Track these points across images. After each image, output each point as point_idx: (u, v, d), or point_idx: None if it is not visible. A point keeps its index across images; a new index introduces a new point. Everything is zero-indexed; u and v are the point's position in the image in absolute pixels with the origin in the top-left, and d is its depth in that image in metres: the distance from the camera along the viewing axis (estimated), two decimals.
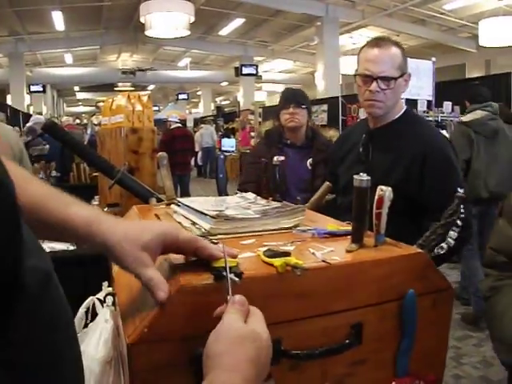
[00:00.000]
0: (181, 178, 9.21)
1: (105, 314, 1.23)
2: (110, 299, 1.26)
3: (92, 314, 1.34)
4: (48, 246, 2.50)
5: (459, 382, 3.52)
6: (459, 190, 1.91)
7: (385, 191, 1.01)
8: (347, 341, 0.94)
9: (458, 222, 1.87)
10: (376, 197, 1.02)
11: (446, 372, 3.45)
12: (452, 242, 1.88)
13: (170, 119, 9.83)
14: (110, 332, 1.16)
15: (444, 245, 1.88)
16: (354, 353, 0.95)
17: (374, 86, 2.02)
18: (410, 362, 1.02)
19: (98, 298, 1.36)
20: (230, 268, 0.81)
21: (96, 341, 1.15)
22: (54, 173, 7.43)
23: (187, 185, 9.68)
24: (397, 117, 2.13)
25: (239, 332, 0.70)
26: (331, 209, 2.08)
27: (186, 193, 9.35)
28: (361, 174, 1.01)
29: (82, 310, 1.35)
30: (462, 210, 1.87)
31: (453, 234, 1.89)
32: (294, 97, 3.18)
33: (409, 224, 1.58)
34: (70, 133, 1.63)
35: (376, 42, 2.06)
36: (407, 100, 5.54)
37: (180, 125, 9.72)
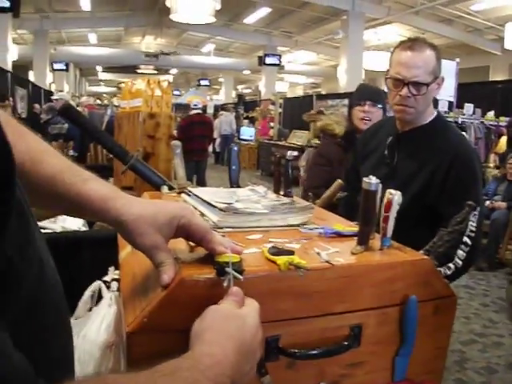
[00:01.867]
0: (198, 164, 9.21)
1: (109, 299, 1.24)
2: (115, 284, 1.28)
3: (99, 298, 1.35)
4: (60, 225, 2.53)
5: None
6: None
7: (394, 195, 1.00)
8: (346, 342, 0.94)
9: (468, 240, 1.85)
10: (384, 200, 1.02)
11: (449, 376, 3.46)
12: (460, 262, 1.86)
13: (192, 105, 9.79)
14: (112, 317, 1.17)
15: (451, 265, 1.86)
16: (351, 355, 0.95)
17: (404, 91, 1.94)
18: (407, 367, 1.02)
19: (104, 282, 1.37)
20: (233, 264, 0.81)
21: (98, 325, 1.16)
22: (71, 152, 7.50)
23: (204, 171, 9.67)
24: (427, 122, 2.06)
25: (224, 312, 0.72)
26: (348, 207, 2.03)
27: (202, 179, 9.36)
28: (370, 176, 1.00)
29: (87, 293, 1.37)
30: (474, 229, 1.85)
31: (461, 254, 1.86)
32: (369, 93, 2.96)
33: (426, 232, 1.54)
34: (85, 116, 1.64)
35: (410, 45, 1.95)
36: None
37: (199, 111, 9.71)
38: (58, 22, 20.92)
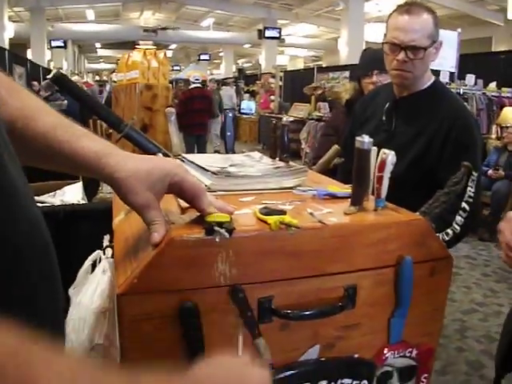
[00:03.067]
0: (198, 138, 9.17)
1: (103, 266, 1.23)
2: (109, 251, 1.27)
3: None
4: (59, 199, 2.52)
5: (461, 354, 3.53)
6: (473, 173, 1.85)
7: (387, 154, 0.98)
8: (340, 303, 0.93)
9: (467, 206, 1.84)
10: (378, 160, 1.00)
11: (449, 344, 3.47)
12: (458, 227, 1.85)
13: (194, 79, 9.65)
14: (106, 283, 1.16)
15: (449, 231, 1.86)
16: (346, 316, 0.94)
17: (401, 55, 1.91)
18: (404, 329, 1.02)
19: (103, 251, 1.36)
20: (222, 223, 0.80)
21: (92, 292, 1.16)
22: None
23: (204, 145, 9.63)
24: (425, 87, 2.03)
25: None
26: (346, 173, 2.02)
27: (203, 153, 9.32)
28: (363, 135, 0.98)
29: (87, 262, 1.36)
30: (472, 195, 1.83)
31: (459, 219, 1.86)
32: (374, 62, 2.79)
33: (424, 199, 1.53)
34: (78, 85, 1.60)
35: (407, 8, 1.91)
36: None
37: (199, 85, 9.61)
38: None
